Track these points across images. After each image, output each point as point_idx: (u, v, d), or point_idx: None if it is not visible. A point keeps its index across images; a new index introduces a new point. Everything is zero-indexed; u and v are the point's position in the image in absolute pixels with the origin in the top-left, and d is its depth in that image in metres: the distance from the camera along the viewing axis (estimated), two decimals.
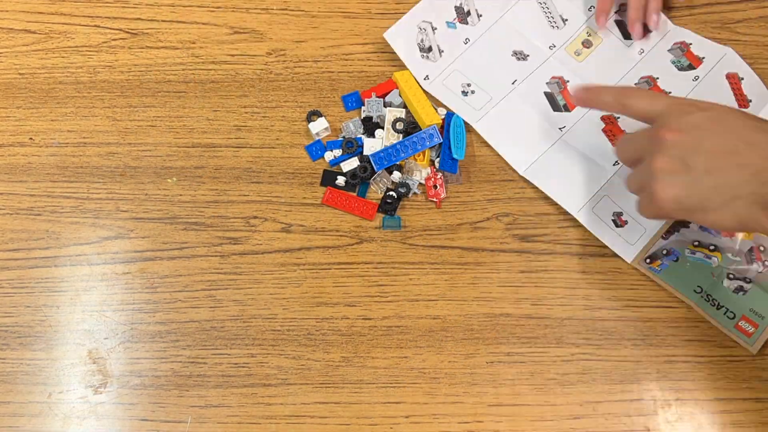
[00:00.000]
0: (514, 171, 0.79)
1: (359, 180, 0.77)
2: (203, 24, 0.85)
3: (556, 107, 0.78)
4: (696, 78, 0.80)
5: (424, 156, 0.78)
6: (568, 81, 0.80)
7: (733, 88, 0.79)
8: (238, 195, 0.78)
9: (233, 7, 0.85)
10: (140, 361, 0.73)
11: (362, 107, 0.80)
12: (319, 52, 0.84)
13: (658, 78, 0.80)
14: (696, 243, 0.74)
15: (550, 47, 0.80)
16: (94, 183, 0.79)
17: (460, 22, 0.78)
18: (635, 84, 0.80)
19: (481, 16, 0.79)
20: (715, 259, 0.73)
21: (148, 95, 0.82)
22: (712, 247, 0.73)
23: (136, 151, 0.80)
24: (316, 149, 0.79)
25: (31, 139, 0.80)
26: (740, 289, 0.72)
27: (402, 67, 0.82)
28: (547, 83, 0.79)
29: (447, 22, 0.78)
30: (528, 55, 0.79)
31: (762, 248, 0.73)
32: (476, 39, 0.79)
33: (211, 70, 0.83)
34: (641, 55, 0.81)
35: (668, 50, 0.82)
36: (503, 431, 0.71)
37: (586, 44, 0.80)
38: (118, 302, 0.75)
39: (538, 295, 0.75)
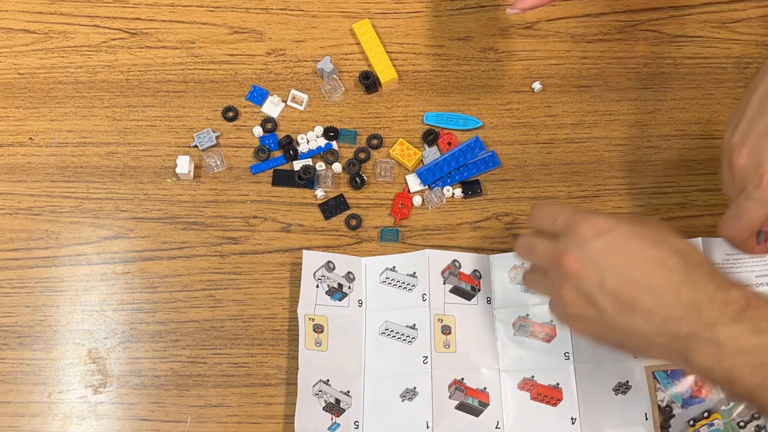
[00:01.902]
0: (514, 170, 0.79)
1: (311, 175, 0.77)
2: (203, 24, 0.85)
3: (473, 412, 0.70)
4: None
5: (412, 157, 0.79)
6: (462, 379, 0.71)
7: None
8: (238, 195, 0.78)
9: (233, 7, 0.85)
10: (140, 361, 0.73)
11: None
12: (318, 52, 0.84)
13: (528, 315, 0.73)
14: (691, 422, 0.69)
15: (424, 362, 0.71)
16: (93, 183, 0.78)
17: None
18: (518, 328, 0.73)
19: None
20: (718, 421, 0.69)
21: (148, 95, 0.82)
22: (705, 414, 0.69)
23: (135, 151, 0.80)
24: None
25: (30, 139, 0.80)
26: (760, 428, 0.68)
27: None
28: (449, 397, 0.70)
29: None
30: (417, 393, 0.70)
31: None
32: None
33: (210, 70, 0.83)
34: (491, 305, 0.74)
35: (510, 282, 0.74)
36: None
37: (446, 331, 0.72)
38: (117, 302, 0.74)
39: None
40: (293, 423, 0.68)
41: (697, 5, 0.85)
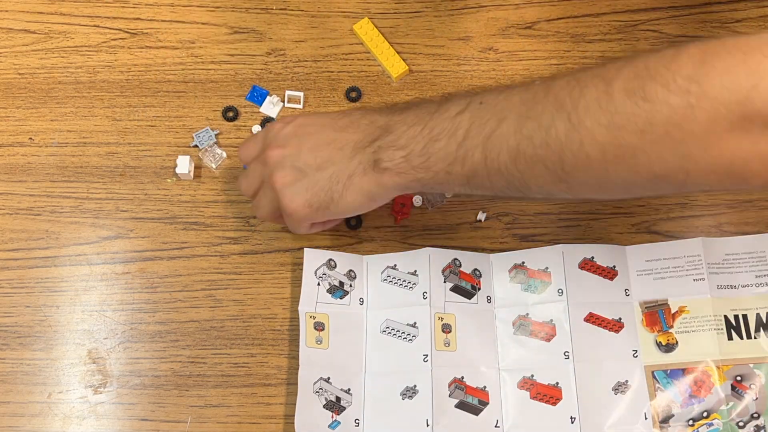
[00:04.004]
0: None
1: None
2: (203, 24, 0.85)
3: (473, 411, 0.70)
4: (560, 291, 0.73)
5: None
6: (462, 378, 0.71)
7: (595, 272, 0.73)
8: (238, 195, 0.78)
9: (233, 7, 0.85)
10: (140, 361, 0.73)
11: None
12: (318, 52, 0.84)
13: (527, 314, 0.73)
14: (690, 422, 0.69)
15: (424, 360, 0.71)
16: (93, 183, 0.78)
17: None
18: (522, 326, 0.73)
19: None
20: (717, 421, 0.69)
21: (148, 95, 0.82)
22: (704, 414, 0.69)
23: (135, 151, 0.80)
24: None
25: (30, 139, 0.80)
26: (759, 428, 0.69)
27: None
28: (449, 395, 0.70)
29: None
30: (417, 391, 0.70)
31: (739, 378, 0.70)
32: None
33: (210, 70, 0.83)
34: (491, 304, 0.74)
35: (510, 282, 0.74)
36: None
37: (446, 329, 0.72)
38: (117, 302, 0.75)
39: None
40: (293, 423, 0.68)
41: (697, 5, 0.85)
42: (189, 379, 0.72)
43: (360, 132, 0.65)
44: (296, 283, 0.74)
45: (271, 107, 0.81)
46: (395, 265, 0.74)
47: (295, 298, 0.73)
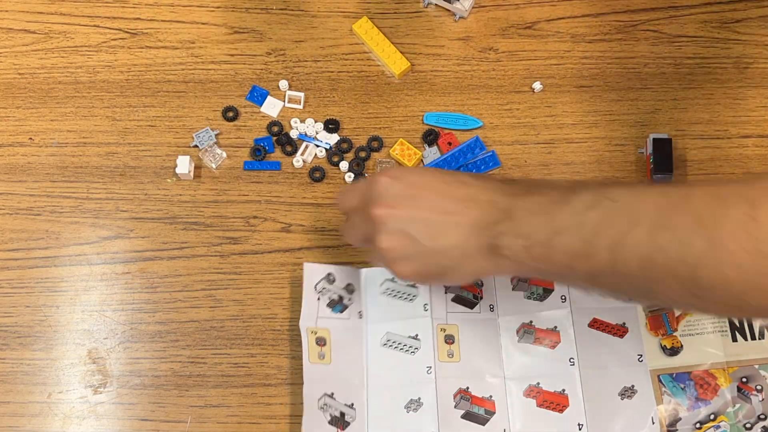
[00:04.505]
0: (514, 170, 0.79)
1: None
2: (203, 24, 0.85)
3: (480, 421, 0.70)
4: (563, 298, 0.73)
5: (412, 157, 0.79)
6: (467, 388, 0.71)
7: None
8: (238, 195, 0.78)
9: (233, 7, 0.85)
10: (140, 361, 0.73)
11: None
12: (318, 52, 0.84)
13: (531, 322, 0.73)
14: (697, 425, 0.69)
15: (428, 372, 0.71)
16: (93, 183, 0.78)
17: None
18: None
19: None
20: (724, 423, 0.69)
21: (148, 95, 0.82)
22: (712, 416, 0.69)
23: (135, 151, 0.80)
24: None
25: (30, 139, 0.80)
26: (767, 430, 0.69)
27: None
28: (455, 406, 0.70)
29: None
30: (421, 404, 0.70)
31: (744, 379, 0.70)
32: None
33: (210, 70, 0.83)
34: (494, 313, 0.73)
35: (513, 290, 0.74)
36: None
37: (449, 340, 0.72)
38: (117, 302, 0.74)
39: None
40: (293, 423, 0.68)
41: (697, 5, 0.85)
42: (189, 379, 0.72)
43: (479, 210, 0.60)
44: (296, 283, 0.74)
45: (271, 107, 0.81)
46: (394, 278, 0.74)
47: (295, 298, 0.73)
